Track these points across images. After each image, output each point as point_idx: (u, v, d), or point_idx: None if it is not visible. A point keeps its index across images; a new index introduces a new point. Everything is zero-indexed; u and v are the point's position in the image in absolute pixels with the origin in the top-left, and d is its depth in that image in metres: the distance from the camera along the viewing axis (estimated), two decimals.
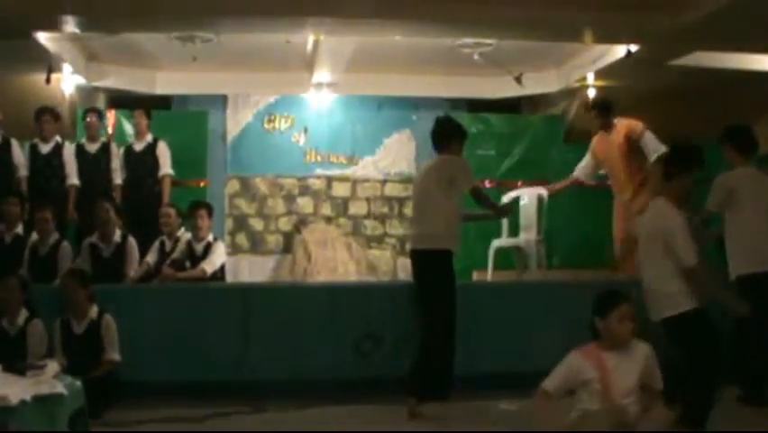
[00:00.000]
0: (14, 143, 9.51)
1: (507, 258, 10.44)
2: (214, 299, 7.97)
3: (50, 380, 5.36)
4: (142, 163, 9.96)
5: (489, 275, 10.62)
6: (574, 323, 6.94)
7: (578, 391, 4.82)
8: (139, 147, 10.04)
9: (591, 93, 11.60)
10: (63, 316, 7.20)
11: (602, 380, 4.69)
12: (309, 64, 11.42)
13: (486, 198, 7.67)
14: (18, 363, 5.65)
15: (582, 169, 9.80)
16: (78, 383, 5.73)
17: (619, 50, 9.82)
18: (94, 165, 9.83)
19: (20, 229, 8.70)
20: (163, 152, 10.00)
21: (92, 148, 9.89)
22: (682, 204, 6.09)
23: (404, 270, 12.76)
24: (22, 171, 9.47)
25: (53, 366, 5.61)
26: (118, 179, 9.84)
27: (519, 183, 12.03)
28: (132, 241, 8.68)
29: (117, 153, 9.94)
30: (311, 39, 10.24)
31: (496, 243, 10.59)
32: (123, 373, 7.15)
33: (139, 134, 10.15)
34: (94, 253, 8.60)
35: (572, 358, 4.82)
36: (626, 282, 6.92)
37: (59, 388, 5.36)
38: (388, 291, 8.63)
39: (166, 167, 9.97)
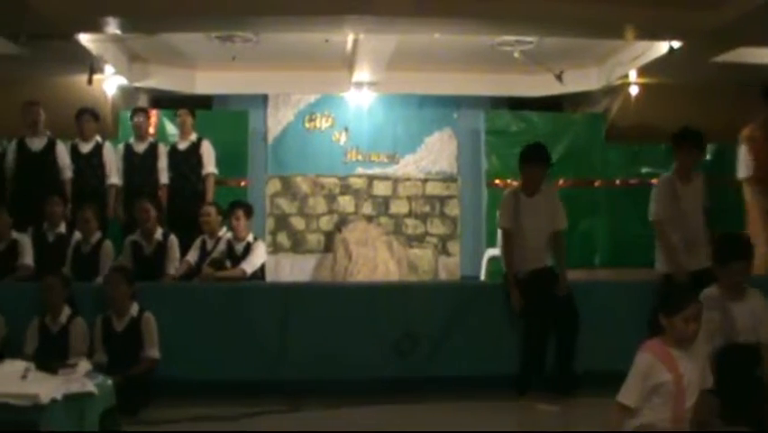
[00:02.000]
0: (60, 145, 9.57)
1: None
2: (253, 298, 7.94)
3: (81, 378, 5.40)
4: (186, 162, 9.99)
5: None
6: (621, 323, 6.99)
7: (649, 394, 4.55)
8: (183, 146, 10.09)
9: (633, 90, 11.49)
10: (104, 313, 7.25)
11: (676, 382, 4.48)
12: (349, 63, 11.44)
13: (503, 247, 7.75)
14: (51, 362, 5.69)
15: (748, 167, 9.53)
16: (110, 382, 5.78)
17: (661, 47, 9.72)
18: (142, 165, 9.90)
19: (63, 228, 8.77)
20: (207, 151, 10.04)
21: (140, 148, 9.96)
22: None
23: (445, 269, 12.75)
24: (67, 173, 9.53)
25: (85, 365, 5.65)
26: (164, 178, 9.88)
27: (561, 181, 11.95)
28: (173, 239, 8.71)
29: (165, 153, 9.99)
30: (351, 38, 10.25)
31: (490, 252, 10.67)
32: (162, 370, 7.17)
33: (183, 134, 10.18)
34: (135, 251, 8.65)
35: (644, 360, 4.54)
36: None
37: (90, 387, 5.40)
38: (428, 291, 8.61)
39: (210, 165, 10.01)
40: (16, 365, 5.55)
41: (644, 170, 12.11)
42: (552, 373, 7.39)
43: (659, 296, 4.73)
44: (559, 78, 11.02)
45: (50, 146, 9.51)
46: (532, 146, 7.84)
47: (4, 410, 5.04)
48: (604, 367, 6.53)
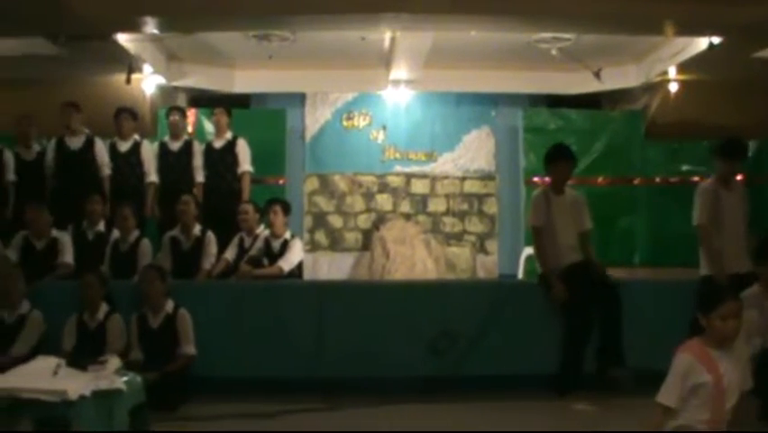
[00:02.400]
0: (99, 143, 9.65)
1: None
2: (290, 296, 7.97)
3: (110, 375, 5.44)
4: (222, 161, 9.99)
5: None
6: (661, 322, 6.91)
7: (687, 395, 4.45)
8: (218, 144, 10.08)
9: (673, 87, 11.37)
10: (140, 311, 7.32)
11: (716, 384, 4.38)
12: (386, 61, 11.44)
13: (536, 246, 7.81)
14: (81, 359, 5.73)
15: None
16: (139, 379, 5.83)
17: (701, 43, 9.61)
18: (176, 163, 9.93)
19: (102, 226, 8.84)
20: (243, 150, 10.03)
21: (174, 146, 10.00)
22: None
23: (482, 267, 12.71)
24: (106, 171, 9.60)
25: (114, 362, 5.68)
26: (200, 176, 9.90)
27: (599, 179, 11.87)
28: (210, 235, 8.75)
29: (200, 151, 10.01)
30: (387, 35, 10.24)
31: (528, 250, 10.65)
32: (199, 368, 7.22)
33: (219, 132, 10.19)
34: (174, 246, 8.71)
35: (682, 361, 4.45)
36: None
37: (118, 383, 5.45)
38: (465, 289, 8.58)
39: (245, 164, 10.00)
40: (48, 362, 5.61)
41: (685, 167, 11.95)
42: (595, 372, 7.37)
43: (698, 296, 4.66)
44: (597, 75, 10.94)
45: (89, 144, 9.59)
46: (557, 145, 8.07)
47: (34, 406, 5.10)
48: (643, 367, 6.48)
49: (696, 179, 11.01)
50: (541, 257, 7.72)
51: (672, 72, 11.04)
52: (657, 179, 12.16)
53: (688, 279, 7.59)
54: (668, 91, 11.52)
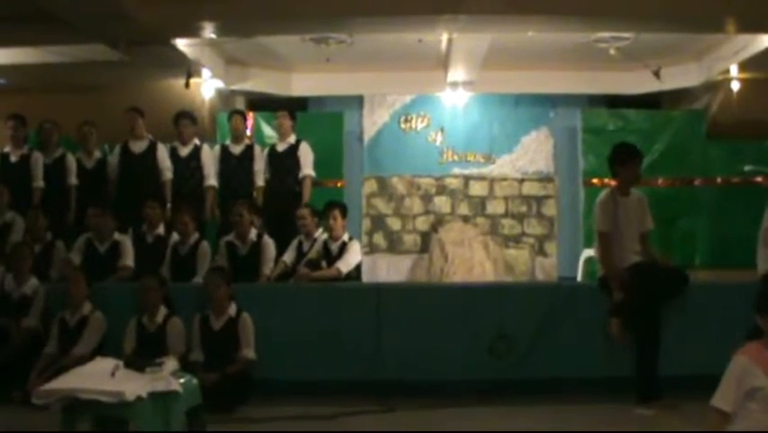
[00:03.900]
0: (161, 147, 9.79)
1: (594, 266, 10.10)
2: (347, 298, 7.98)
3: (167, 377, 5.48)
4: (283, 164, 10.03)
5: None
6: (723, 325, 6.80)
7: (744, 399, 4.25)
8: (281, 148, 10.13)
9: (735, 86, 11.20)
10: (202, 312, 7.39)
11: None
12: (444, 63, 11.43)
13: (602, 250, 7.50)
14: (138, 360, 5.79)
15: None
16: (195, 381, 5.87)
17: (764, 40, 9.45)
18: (238, 166, 10.00)
19: (161, 230, 8.95)
20: (305, 153, 10.05)
21: (236, 150, 10.06)
22: None
23: (541, 270, 12.63)
24: (167, 175, 9.73)
25: (171, 364, 5.73)
26: (260, 180, 9.95)
27: (660, 180, 11.73)
28: (267, 240, 8.79)
29: (261, 155, 10.07)
30: (444, 37, 10.22)
31: (587, 252, 10.53)
32: (257, 370, 7.26)
33: (282, 136, 10.22)
34: (230, 252, 8.75)
35: (738, 363, 4.25)
36: None
37: (175, 385, 5.49)
38: (523, 292, 8.51)
39: (307, 168, 10.01)
40: (106, 363, 5.68)
41: (747, 168, 11.77)
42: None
43: (755, 297, 4.55)
44: (657, 74, 10.79)
45: (151, 148, 9.75)
46: (625, 145, 7.73)
47: (93, 407, 5.18)
48: (705, 371, 6.36)
49: (759, 179, 10.86)
50: (604, 260, 7.50)
51: (734, 71, 10.88)
52: (719, 180, 11.96)
53: (750, 281, 7.46)
54: (730, 90, 11.35)
